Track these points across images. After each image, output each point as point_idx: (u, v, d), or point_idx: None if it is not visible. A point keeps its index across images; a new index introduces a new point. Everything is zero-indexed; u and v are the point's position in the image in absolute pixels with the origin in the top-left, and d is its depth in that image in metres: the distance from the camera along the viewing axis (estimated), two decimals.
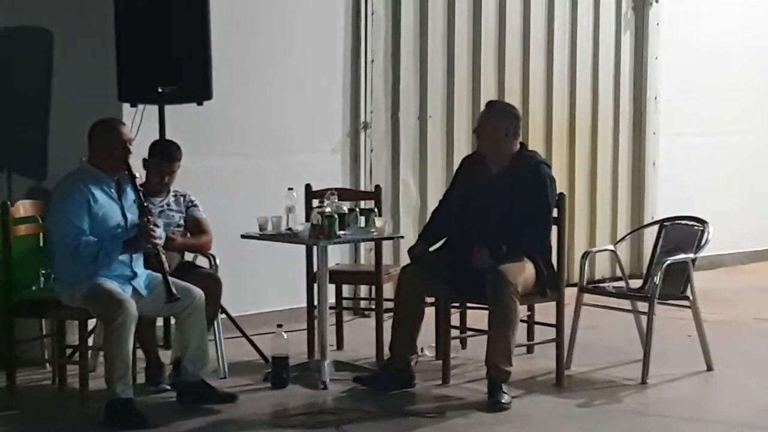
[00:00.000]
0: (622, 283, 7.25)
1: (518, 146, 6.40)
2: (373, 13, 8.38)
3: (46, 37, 7.42)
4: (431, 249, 6.47)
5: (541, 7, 9.30)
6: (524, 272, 6.14)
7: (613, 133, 9.83)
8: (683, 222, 6.97)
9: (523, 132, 8.81)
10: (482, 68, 8.98)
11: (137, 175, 5.88)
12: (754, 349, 7.41)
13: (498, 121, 6.34)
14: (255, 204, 6.94)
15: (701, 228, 6.80)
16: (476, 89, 8.95)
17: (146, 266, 5.93)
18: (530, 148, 6.67)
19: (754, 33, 10.59)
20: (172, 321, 6.28)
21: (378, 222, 6.53)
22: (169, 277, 5.79)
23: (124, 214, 5.83)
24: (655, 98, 9.96)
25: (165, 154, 6.46)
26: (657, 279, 6.50)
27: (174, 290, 5.72)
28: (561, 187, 8.56)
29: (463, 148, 8.66)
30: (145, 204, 5.82)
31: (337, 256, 7.72)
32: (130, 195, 5.86)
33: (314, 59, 8.12)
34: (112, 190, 5.83)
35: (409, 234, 7.91)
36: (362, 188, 8.19)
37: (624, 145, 9.90)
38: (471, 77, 8.95)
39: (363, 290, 8.26)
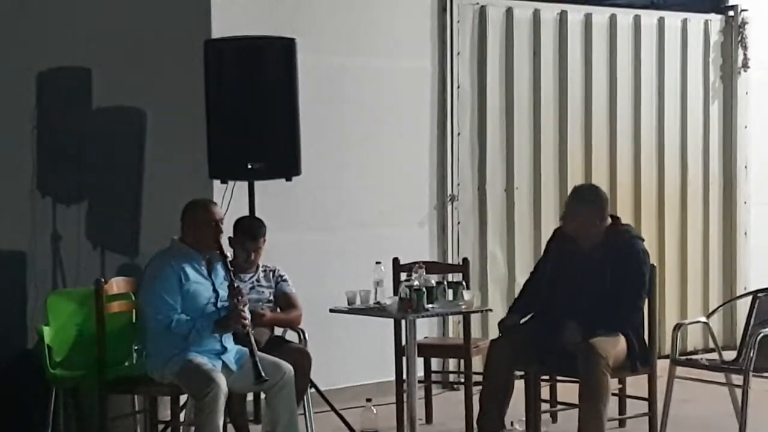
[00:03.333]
0: (715, 355, 7.12)
1: (609, 221, 6.35)
2: (459, 87, 8.44)
3: (140, 117, 7.59)
4: (522, 321, 6.44)
5: (628, 78, 9.29)
6: (616, 346, 6.10)
7: (703, 203, 9.71)
8: None
9: (611, 203, 8.88)
10: (569, 140, 8.97)
11: (228, 254, 5.95)
12: None
13: (585, 210, 6.32)
14: (343, 278, 6.97)
15: None
16: (563, 161, 8.94)
17: (236, 341, 5.98)
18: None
19: None
20: (263, 395, 6.30)
21: (466, 295, 6.51)
22: (259, 353, 5.83)
23: (215, 291, 5.89)
24: (746, 167, 9.85)
25: (249, 232, 6.53)
26: (751, 351, 6.38)
27: (262, 372, 5.74)
28: (651, 258, 8.55)
29: (550, 219, 8.63)
30: (236, 283, 5.88)
31: (425, 329, 7.71)
32: (221, 272, 5.93)
33: (401, 133, 8.19)
34: (203, 268, 5.91)
35: (498, 306, 7.88)
36: (450, 261, 8.19)
37: (714, 215, 9.77)
38: (558, 149, 8.94)
39: (452, 363, 8.22)
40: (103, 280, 6.06)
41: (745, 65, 9.78)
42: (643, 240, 6.42)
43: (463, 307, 6.52)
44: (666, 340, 8.47)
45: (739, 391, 6.47)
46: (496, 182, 8.67)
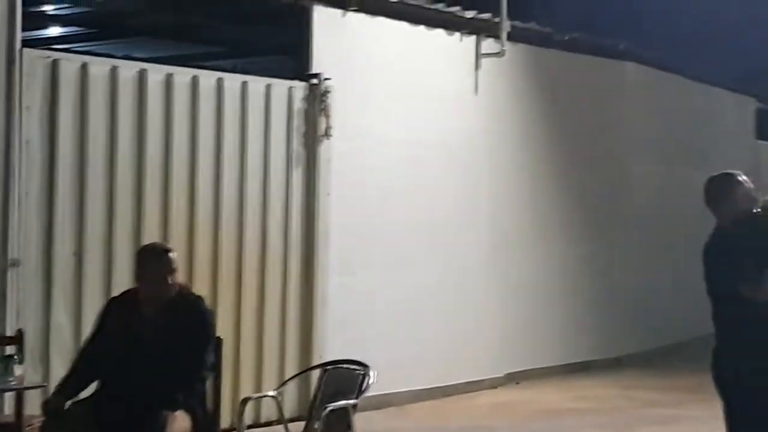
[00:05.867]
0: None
1: (177, 287, 6.14)
2: (27, 142, 7.93)
3: None
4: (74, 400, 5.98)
5: (209, 140, 9.07)
6: (182, 422, 5.83)
7: (283, 272, 9.56)
8: (345, 366, 6.82)
9: (188, 275, 8.64)
10: (146, 203, 8.64)
11: None
12: None
13: (161, 265, 6.09)
14: None
15: (363, 372, 6.66)
16: (138, 225, 8.58)
17: None
18: (197, 291, 6.45)
19: (415, 170, 10.75)
20: None
21: (18, 370, 6.04)
22: None
23: None
24: (326, 235, 9.83)
25: None
26: (317, 424, 6.31)
27: None
28: (227, 329, 8.36)
29: (124, 285, 8.13)
30: None
31: None
32: None
33: None
34: None
35: None
36: (8, 332, 7.55)
37: (294, 283, 9.64)
38: (133, 212, 8.58)
39: None
40: None
41: (328, 133, 9.80)
42: (205, 303, 6.25)
43: (14, 383, 6.03)
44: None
45: None
46: (65, 245, 8.17)
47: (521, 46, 12.06)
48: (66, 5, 10.37)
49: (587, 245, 13.08)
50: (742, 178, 5.88)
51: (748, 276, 5.54)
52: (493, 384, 11.51)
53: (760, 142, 17.72)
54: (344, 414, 6.46)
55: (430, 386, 10.71)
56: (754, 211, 5.80)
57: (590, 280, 13.09)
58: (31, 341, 6.73)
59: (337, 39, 10.05)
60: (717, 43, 17.94)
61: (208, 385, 6.18)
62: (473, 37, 11.42)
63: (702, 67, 15.89)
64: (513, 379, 11.82)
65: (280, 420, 7.39)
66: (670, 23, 17.01)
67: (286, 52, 10.38)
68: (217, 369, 6.19)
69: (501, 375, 11.67)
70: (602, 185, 13.41)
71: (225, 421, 7.26)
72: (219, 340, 6.25)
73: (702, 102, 16.02)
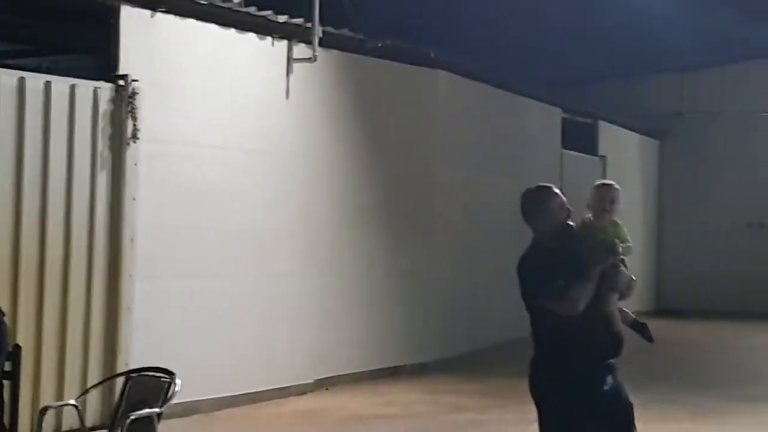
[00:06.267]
0: None
1: None
2: None
3: None
4: None
5: (9, 142, 8.74)
6: None
7: (87, 277, 9.28)
8: (150, 373, 6.67)
9: None
10: None
11: None
12: None
13: None
14: None
15: (168, 380, 6.53)
16: None
17: None
18: None
19: (226, 175, 10.66)
20: None
21: None
22: None
23: None
24: (132, 240, 9.59)
25: None
26: None
27: None
28: (27, 336, 8.07)
29: None
30: None
31: None
32: None
33: None
34: None
35: None
36: None
37: (98, 289, 9.37)
38: None
39: None
40: None
41: (135, 136, 9.55)
42: (4, 314, 5.97)
43: None
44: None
45: None
46: None
47: (334, 52, 12.08)
48: None
49: (399, 251, 13.17)
50: (557, 190, 5.85)
51: (555, 288, 5.53)
52: (302, 390, 11.47)
53: (564, 151, 18.16)
54: (148, 422, 6.33)
55: (237, 393, 10.60)
56: (569, 223, 5.81)
57: (399, 286, 13.18)
58: None
59: (145, 40, 9.85)
60: (526, 53, 18.33)
61: (5, 394, 5.97)
62: (285, 42, 11.38)
63: (511, 76, 16.23)
64: (322, 385, 11.81)
65: (82, 429, 7.23)
66: (482, 33, 17.30)
67: (92, 52, 10.10)
68: (14, 378, 5.98)
69: (310, 381, 11.64)
70: (415, 192, 13.52)
71: (24, 430, 7.03)
72: (17, 348, 6.03)
73: (511, 111, 16.34)
